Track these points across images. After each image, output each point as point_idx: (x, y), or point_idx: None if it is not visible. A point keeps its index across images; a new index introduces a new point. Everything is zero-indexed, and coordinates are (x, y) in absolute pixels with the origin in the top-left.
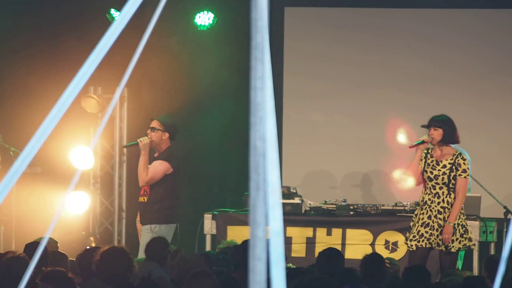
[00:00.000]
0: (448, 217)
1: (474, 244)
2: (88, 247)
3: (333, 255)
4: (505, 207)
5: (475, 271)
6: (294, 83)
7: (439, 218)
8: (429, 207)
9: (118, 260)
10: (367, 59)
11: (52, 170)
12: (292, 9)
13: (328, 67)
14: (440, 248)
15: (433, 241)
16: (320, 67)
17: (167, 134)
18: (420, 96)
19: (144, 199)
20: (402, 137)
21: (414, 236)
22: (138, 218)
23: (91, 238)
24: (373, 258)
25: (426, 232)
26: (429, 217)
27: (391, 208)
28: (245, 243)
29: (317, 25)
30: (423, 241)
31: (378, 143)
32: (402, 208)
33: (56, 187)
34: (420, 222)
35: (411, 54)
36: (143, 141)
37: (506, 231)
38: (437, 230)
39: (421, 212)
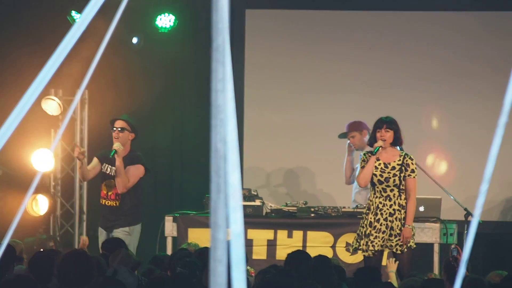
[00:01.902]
0: (403, 219)
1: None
2: (41, 250)
3: (302, 258)
4: (465, 209)
5: (436, 273)
6: (255, 85)
7: (389, 220)
8: (380, 211)
9: (79, 263)
10: (329, 61)
11: (12, 172)
12: (253, 11)
13: (289, 69)
14: (393, 250)
15: (383, 244)
16: (281, 68)
17: (133, 135)
18: (380, 97)
19: (115, 203)
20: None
21: (368, 242)
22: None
23: (52, 241)
24: (320, 260)
25: (376, 237)
26: (378, 220)
27: (352, 210)
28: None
29: (278, 27)
30: (376, 244)
31: (340, 146)
32: (363, 210)
33: (16, 189)
34: (372, 226)
35: (373, 57)
36: (119, 147)
37: (467, 233)
38: (383, 232)
39: (376, 218)
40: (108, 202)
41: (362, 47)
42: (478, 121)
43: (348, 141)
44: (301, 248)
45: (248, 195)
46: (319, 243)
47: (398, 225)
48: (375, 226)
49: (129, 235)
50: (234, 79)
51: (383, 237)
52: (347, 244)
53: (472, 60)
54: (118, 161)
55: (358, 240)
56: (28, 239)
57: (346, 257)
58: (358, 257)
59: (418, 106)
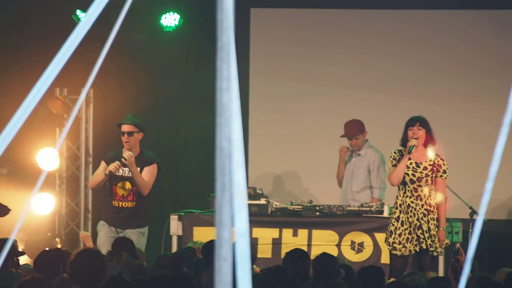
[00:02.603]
0: (436, 219)
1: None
2: (47, 248)
3: (299, 256)
4: (470, 208)
5: (441, 272)
6: (260, 84)
7: (424, 221)
8: (414, 210)
9: (92, 262)
10: (334, 60)
11: (17, 171)
12: (258, 10)
13: (294, 68)
14: (432, 250)
15: (422, 243)
16: (286, 68)
17: (141, 134)
18: (388, 96)
19: (132, 204)
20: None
21: (399, 242)
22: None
23: (57, 239)
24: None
25: (419, 235)
26: (418, 219)
27: (357, 209)
28: (210, 243)
29: (283, 26)
30: (412, 245)
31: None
32: (368, 209)
33: (21, 188)
34: (413, 225)
35: (378, 54)
36: (129, 157)
37: (472, 232)
38: (426, 232)
39: (408, 216)
40: (125, 204)
41: (368, 47)
42: (483, 118)
43: (349, 143)
44: (306, 247)
45: (253, 194)
46: (324, 242)
47: (433, 226)
48: (416, 225)
49: (142, 235)
50: (239, 77)
51: (423, 236)
52: (352, 242)
53: (482, 55)
54: (133, 169)
55: (389, 237)
56: (33, 237)
57: (351, 256)
58: (363, 256)
59: (423, 103)
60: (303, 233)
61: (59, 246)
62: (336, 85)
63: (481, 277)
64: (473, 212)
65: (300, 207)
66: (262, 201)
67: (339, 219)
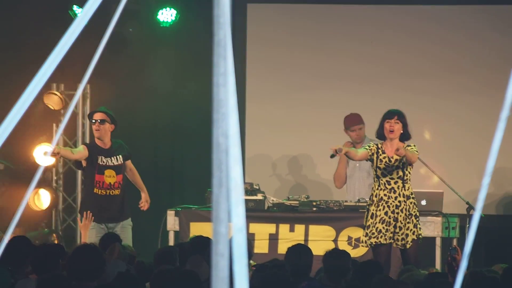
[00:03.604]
0: (407, 209)
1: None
2: (45, 244)
3: (302, 251)
4: (467, 203)
5: (438, 267)
6: (257, 79)
7: (396, 213)
8: (386, 203)
9: (91, 258)
10: (332, 54)
11: (14, 166)
12: (254, 5)
13: (292, 63)
14: (398, 246)
15: (389, 236)
16: (283, 62)
17: (113, 126)
18: (388, 89)
19: (118, 191)
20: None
21: (373, 233)
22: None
23: (54, 235)
24: (337, 253)
25: (383, 228)
26: (386, 213)
27: (354, 204)
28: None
29: (280, 21)
30: (381, 237)
31: (342, 138)
32: (365, 204)
33: (18, 184)
34: (378, 219)
35: (377, 48)
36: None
37: (469, 227)
38: (394, 226)
39: (378, 209)
40: (113, 192)
41: (365, 41)
42: (482, 112)
43: (351, 136)
44: (303, 242)
45: (250, 189)
46: (321, 237)
47: (403, 216)
48: (382, 218)
49: (130, 226)
50: (235, 73)
51: (387, 229)
52: (349, 237)
53: (484, 50)
54: (63, 152)
55: (364, 231)
56: (30, 233)
57: (348, 251)
58: (360, 251)
59: (419, 98)
60: (300, 228)
61: (56, 241)
62: (335, 78)
63: (474, 273)
64: (470, 208)
65: (297, 202)
66: (259, 197)
67: (336, 215)
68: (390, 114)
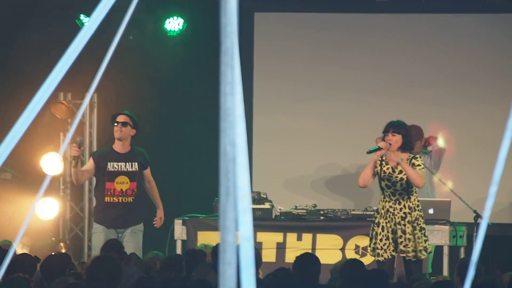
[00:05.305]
0: (414, 221)
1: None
2: (52, 253)
3: (310, 260)
4: (475, 212)
5: (445, 275)
6: (264, 88)
7: (402, 224)
8: (392, 214)
9: (109, 268)
10: (338, 63)
11: (21, 175)
12: (261, 14)
13: (298, 72)
14: (403, 255)
15: (397, 248)
16: (290, 72)
17: (134, 131)
18: (396, 99)
19: (131, 199)
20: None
21: (381, 247)
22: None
23: (61, 244)
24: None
25: (387, 242)
26: (395, 224)
27: (361, 213)
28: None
29: (287, 30)
30: (388, 249)
31: (349, 148)
32: (372, 213)
33: (26, 193)
34: (387, 230)
35: (384, 57)
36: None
37: (476, 236)
38: (400, 237)
39: (386, 220)
40: (125, 199)
41: (373, 51)
42: (488, 122)
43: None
44: (310, 251)
45: (257, 198)
46: (328, 246)
47: (410, 228)
48: (392, 229)
49: (141, 232)
50: (242, 82)
51: (396, 242)
52: (356, 246)
53: (494, 57)
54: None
55: (371, 243)
56: (38, 242)
57: None
58: (367, 260)
59: (431, 106)
60: (307, 237)
61: (63, 250)
62: (342, 88)
63: (485, 282)
64: (478, 216)
65: (304, 211)
66: (266, 206)
67: (343, 223)
68: (387, 127)
